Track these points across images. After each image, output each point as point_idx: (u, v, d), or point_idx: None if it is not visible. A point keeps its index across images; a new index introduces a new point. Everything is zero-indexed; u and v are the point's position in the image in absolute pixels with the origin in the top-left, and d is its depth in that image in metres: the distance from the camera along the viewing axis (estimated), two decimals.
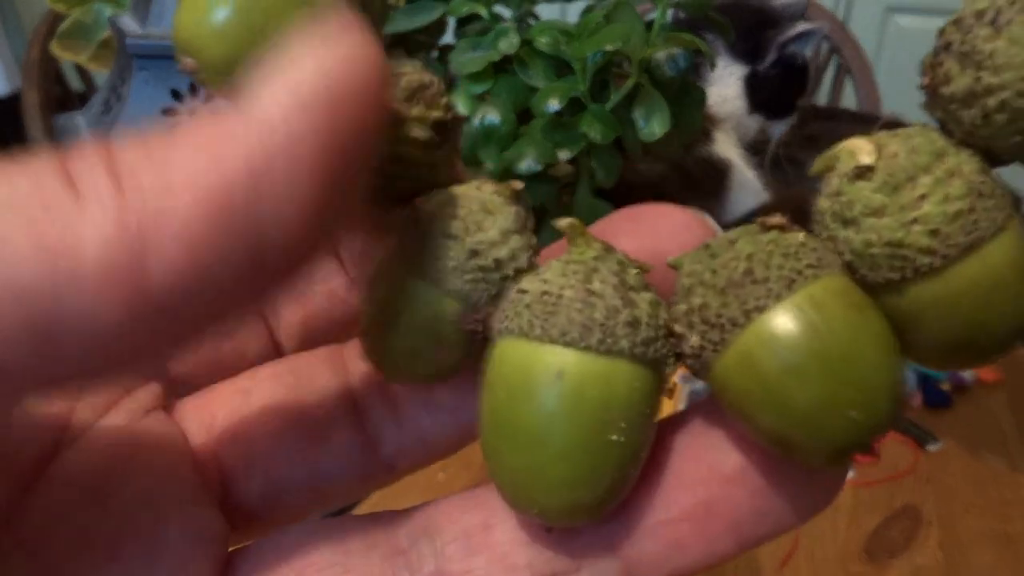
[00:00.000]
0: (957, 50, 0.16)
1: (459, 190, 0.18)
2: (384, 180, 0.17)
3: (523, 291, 0.16)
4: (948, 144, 0.16)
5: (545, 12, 0.60)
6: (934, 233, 0.15)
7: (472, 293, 0.17)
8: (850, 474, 0.59)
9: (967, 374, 0.69)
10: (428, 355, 0.17)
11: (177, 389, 0.20)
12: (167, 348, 0.13)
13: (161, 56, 0.44)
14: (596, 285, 0.16)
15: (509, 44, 0.56)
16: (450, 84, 0.60)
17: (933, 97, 0.16)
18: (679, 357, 0.17)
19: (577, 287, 0.16)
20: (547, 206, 0.58)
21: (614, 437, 0.15)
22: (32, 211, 0.11)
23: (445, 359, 0.17)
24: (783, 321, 0.15)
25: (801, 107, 0.99)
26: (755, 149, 0.94)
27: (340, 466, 0.19)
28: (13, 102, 1.31)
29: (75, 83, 1.39)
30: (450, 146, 0.18)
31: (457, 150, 0.18)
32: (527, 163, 0.54)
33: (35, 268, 0.11)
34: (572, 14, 0.58)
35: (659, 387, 0.16)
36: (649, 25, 0.49)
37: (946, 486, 0.59)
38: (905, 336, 0.16)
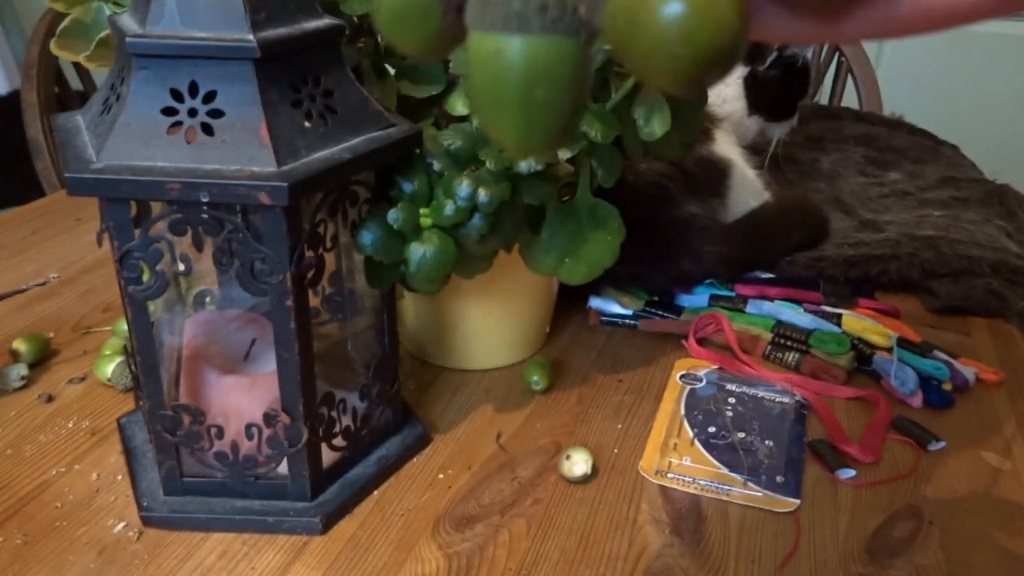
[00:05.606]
0: None
1: None
2: None
3: None
4: None
5: None
6: None
7: None
8: (851, 474, 0.59)
9: (968, 375, 0.69)
10: (413, 25, 0.23)
11: None
12: None
13: (161, 56, 0.44)
14: None
15: None
16: (450, 84, 0.60)
17: None
18: (587, 28, 0.22)
19: None
20: (547, 206, 0.58)
21: (540, 95, 0.22)
22: None
23: (426, 32, 0.23)
24: None
25: (802, 107, 0.98)
26: (755, 149, 0.94)
27: None
28: (13, 102, 1.31)
29: (75, 83, 1.39)
30: None
31: None
32: (527, 163, 0.54)
33: None
34: None
35: (575, 54, 0.22)
36: None
37: (947, 486, 0.59)
38: None
